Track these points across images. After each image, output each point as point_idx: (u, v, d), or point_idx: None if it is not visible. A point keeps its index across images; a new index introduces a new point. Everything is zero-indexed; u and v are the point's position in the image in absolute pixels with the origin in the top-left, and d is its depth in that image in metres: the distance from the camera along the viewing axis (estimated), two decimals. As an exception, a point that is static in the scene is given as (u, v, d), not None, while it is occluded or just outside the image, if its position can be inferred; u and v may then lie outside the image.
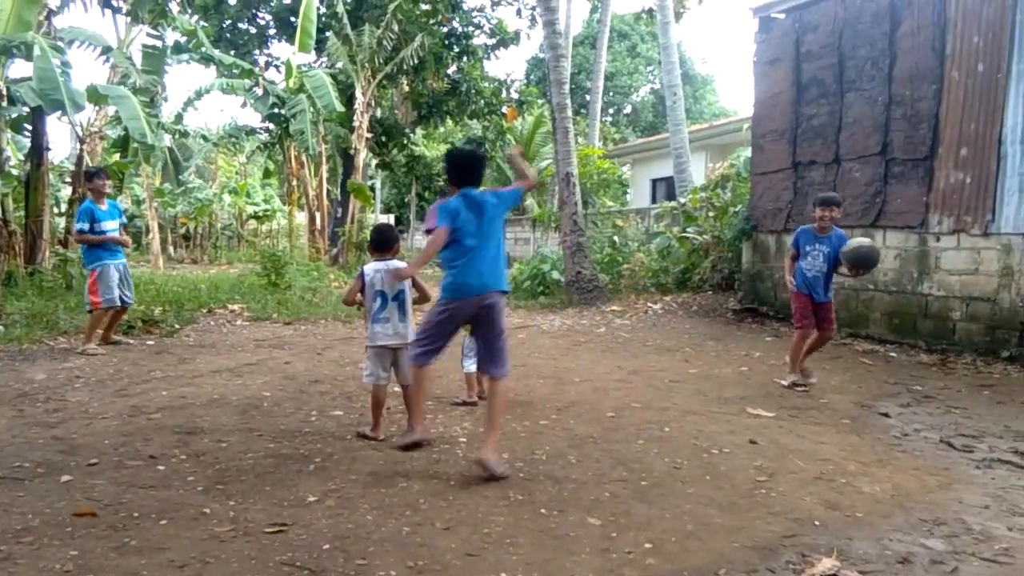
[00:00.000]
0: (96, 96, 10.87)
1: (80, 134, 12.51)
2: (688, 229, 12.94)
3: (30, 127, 11.18)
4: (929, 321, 8.21)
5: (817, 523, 3.35)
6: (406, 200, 37.47)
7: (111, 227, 7.71)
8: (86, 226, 7.50)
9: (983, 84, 7.66)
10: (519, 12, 22.86)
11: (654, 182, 23.91)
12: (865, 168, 8.93)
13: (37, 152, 11.13)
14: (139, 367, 6.76)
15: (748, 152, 12.47)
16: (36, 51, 9.39)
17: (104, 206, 7.72)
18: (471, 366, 5.52)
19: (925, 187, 8.20)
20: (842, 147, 9.26)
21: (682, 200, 14.77)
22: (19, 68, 18.98)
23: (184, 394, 5.71)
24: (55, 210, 13.78)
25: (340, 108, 16.54)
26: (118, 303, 7.70)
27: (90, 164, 12.34)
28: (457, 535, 3.14)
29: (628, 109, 44.08)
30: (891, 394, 6.07)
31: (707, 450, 4.41)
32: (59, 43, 10.49)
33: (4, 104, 10.26)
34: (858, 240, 6.12)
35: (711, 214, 12.47)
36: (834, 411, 5.50)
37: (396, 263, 4.62)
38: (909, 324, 8.41)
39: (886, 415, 5.41)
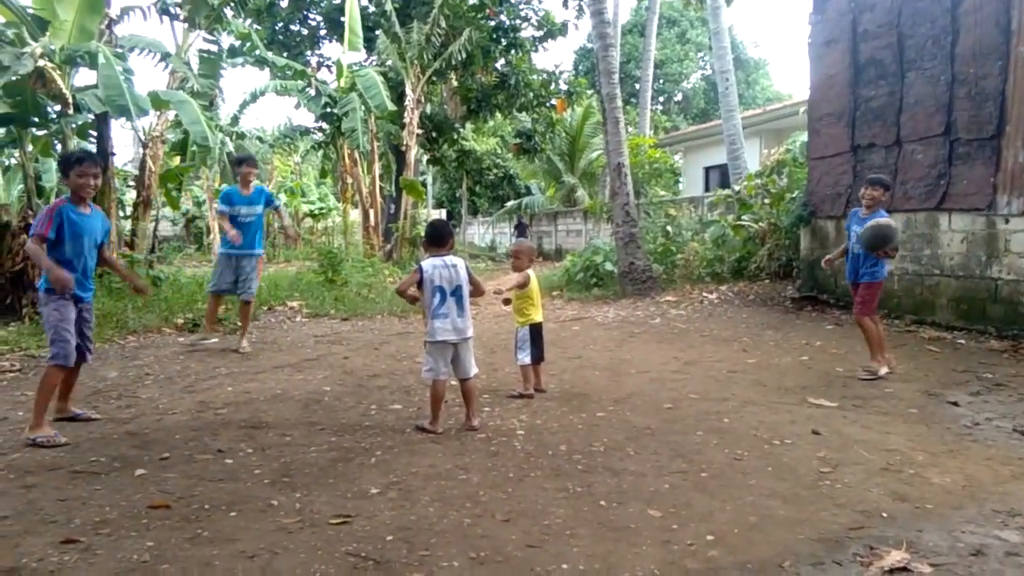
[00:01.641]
0: (158, 102, 11.19)
1: (143, 139, 12.91)
2: (743, 217, 12.73)
3: (95, 133, 11.57)
4: (999, 306, 7.91)
5: (885, 515, 3.27)
6: (457, 195, 37.74)
7: (245, 212, 7.66)
8: (225, 208, 7.60)
9: (1054, 58, 7.34)
10: (566, 3, 22.70)
11: (707, 170, 23.57)
12: (928, 150, 8.64)
13: (102, 157, 11.45)
14: (205, 364, 6.97)
15: (804, 137, 12.20)
16: (100, 59, 9.71)
17: (248, 191, 7.67)
18: (525, 358, 5.54)
19: (992, 167, 7.89)
20: (903, 128, 8.98)
21: (736, 187, 14.53)
22: (83, 77, 19.62)
23: (248, 390, 5.87)
24: (120, 213, 14.22)
25: (391, 106, 16.69)
26: (220, 290, 7.74)
27: (152, 168, 12.73)
28: (518, 527, 3.16)
29: (679, 96, 43.53)
30: (960, 382, 5.88)
31: (768, 441, 4.35)
32: (121, 51, 10.82)
33: (71, 112, 10.63)
34: (873, 221, 6.07)
35: (767, 201, 12.24)
36: (900, 400, 5.35)
37: (453, 258, 4.67)
38: (978, 309, 8.12)
39: (955, 404, 5.23)
